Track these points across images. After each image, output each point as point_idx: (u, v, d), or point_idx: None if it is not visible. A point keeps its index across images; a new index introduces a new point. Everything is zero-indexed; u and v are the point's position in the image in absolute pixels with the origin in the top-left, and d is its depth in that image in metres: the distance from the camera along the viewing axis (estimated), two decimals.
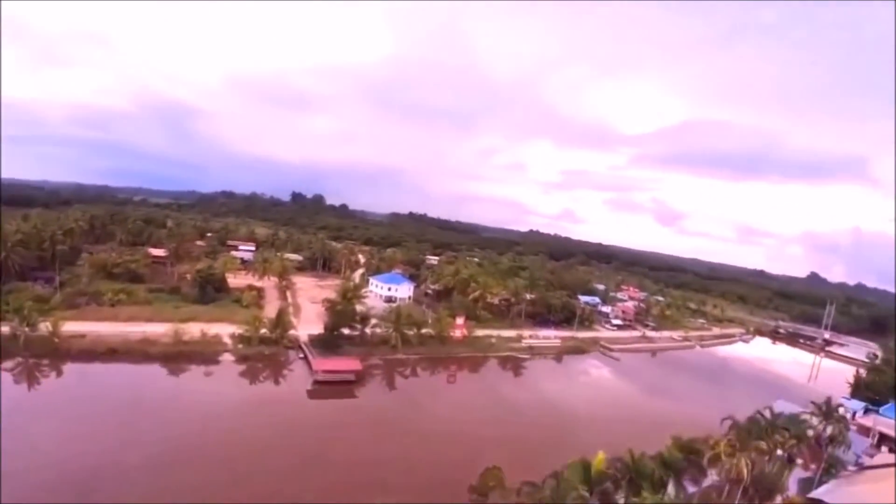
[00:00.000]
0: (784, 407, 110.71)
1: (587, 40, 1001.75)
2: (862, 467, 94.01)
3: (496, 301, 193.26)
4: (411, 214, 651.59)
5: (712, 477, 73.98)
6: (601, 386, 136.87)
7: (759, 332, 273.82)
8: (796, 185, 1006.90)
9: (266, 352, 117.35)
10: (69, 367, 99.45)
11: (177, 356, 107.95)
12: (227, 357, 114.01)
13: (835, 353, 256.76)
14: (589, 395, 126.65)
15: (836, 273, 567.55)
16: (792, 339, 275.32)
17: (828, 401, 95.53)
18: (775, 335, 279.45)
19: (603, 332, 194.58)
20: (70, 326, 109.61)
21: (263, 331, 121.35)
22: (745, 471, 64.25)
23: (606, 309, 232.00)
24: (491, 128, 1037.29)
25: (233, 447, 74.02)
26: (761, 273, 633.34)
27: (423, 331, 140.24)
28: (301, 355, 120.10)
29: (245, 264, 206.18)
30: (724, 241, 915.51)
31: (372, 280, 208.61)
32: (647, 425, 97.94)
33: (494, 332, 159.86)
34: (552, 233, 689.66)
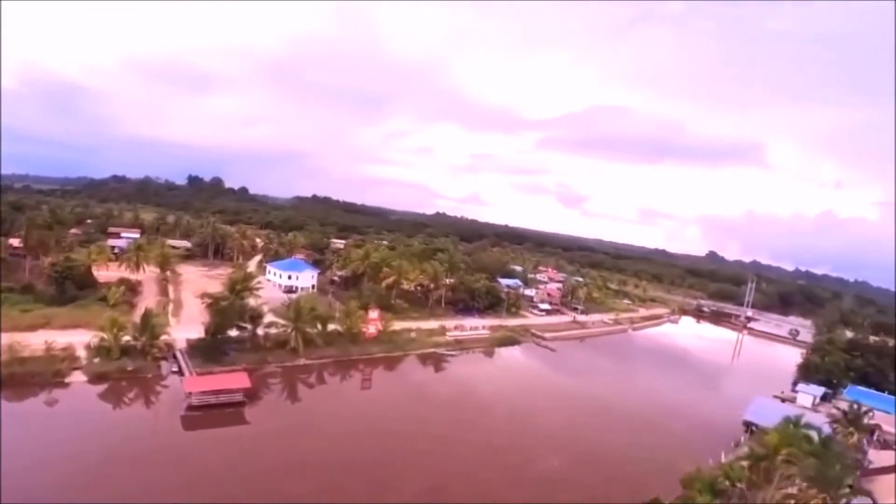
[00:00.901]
0: (769, 406, 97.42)
1: (496, 24, 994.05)
2: (867, 471, 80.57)
3: (412, 288, 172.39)
4: (315, 197, 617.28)
5: None
6: (546, 388, 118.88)
7: (683, 311, 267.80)
8: (695, 169, 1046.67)
9: (130, 367, 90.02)
10: None
11: (8, 380, 79.29)
12: (78, 377, 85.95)
13: (756, 330, 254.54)
14: (538, 404, 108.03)
15: (731, 251, 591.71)
16: (715, 318, 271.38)
17: (852, 406, 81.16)
18: (699, 314, 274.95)
19: (532, 319, 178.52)
20: None
21: (127, 338, 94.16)
22: None
23: (530, 292, 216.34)
24: (398, 110, 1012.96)
25: None
26: (663, 252, 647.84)
27: (330, 327, 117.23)
28: (175, 368, 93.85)
29: (119, 254, 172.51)
30: (626, 223, 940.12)
31: (269, 268, 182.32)
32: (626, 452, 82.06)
33: (414, 325, 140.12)
34: (459, 215, 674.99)
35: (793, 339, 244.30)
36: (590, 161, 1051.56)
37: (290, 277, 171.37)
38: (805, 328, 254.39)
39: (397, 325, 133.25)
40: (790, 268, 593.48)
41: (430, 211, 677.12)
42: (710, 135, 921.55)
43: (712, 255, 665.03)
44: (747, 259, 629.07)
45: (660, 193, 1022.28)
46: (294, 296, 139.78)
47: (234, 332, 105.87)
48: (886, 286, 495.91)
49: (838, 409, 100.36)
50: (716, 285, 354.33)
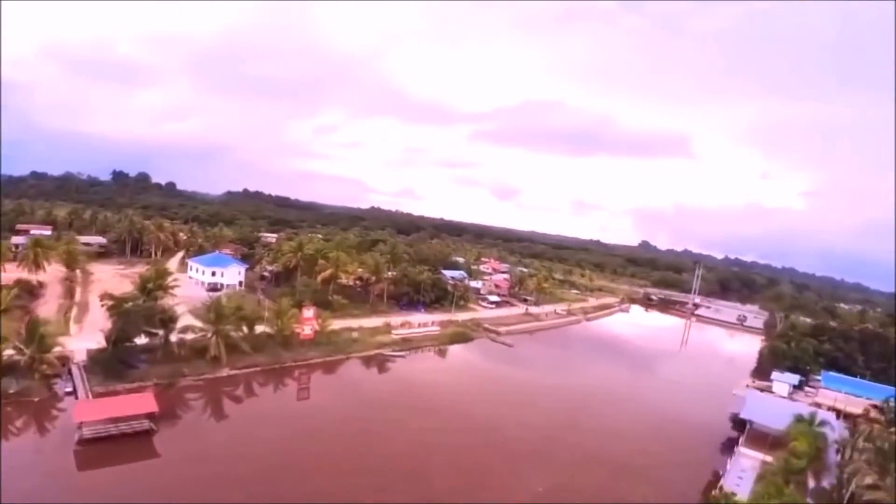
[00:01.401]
0: (764, 401, 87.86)
1: (429, 16, 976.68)
2: None
3: (351, 282, 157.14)
4: (246, 192, 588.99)
5: None
6: (512, 391, 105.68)
7: (632, 299, 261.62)
8: (626, 161, 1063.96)
9: (12, 388, 72.00)
10: None
11: None
12: None
13: (705, 317, 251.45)
14: (508, 412, 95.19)
15: (662, 241, 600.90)
16: (664, 306, 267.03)
17: (888, 403, 71.59)
18: (648, 302, 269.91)
19: (482, 312, 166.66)
20: None
21: (9, 352, 75.91)
22: None
23: (476, 284, 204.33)
24: (330, 104, 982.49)
25: None
26: (597, 243, 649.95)
27: (259, 329, 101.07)
28: (69, 388, 76.25)
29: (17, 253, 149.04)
30: (559, 214, 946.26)
31: (191, 263, 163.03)
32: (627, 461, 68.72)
33: (355, 323, 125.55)
34: (394, 209, 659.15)
35: (741, 324, 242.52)
36: (523, 154, 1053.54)
37: (213, 274, 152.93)
38: (752, 314, 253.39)
39: (336, 325, 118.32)
40: (720, 256, 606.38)
41: (364, 205, 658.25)
42: (641, 128, 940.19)
43: (645, 245, 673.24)
44: (679, 248, 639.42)
45: (592, 185, 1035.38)
46: (217, 294, 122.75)
47: (145, 340, 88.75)
48: (812, 271, 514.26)
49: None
50: (658, 273, 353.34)
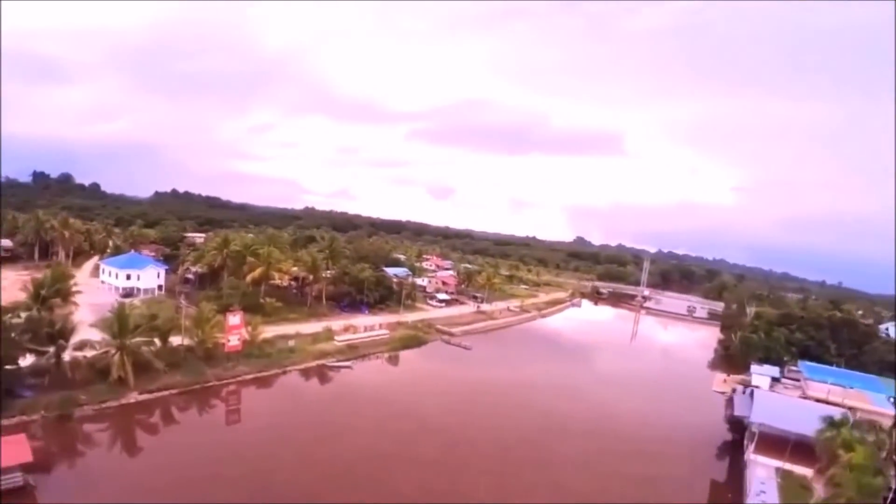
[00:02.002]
0: (772, 400, 78.00)
1: (364, 14, 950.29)
2: None
3: (285, 283, 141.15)
4: (175, 192, 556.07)
5: None
6: (484, 405, 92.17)
7: (581, 294, 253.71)
8: (560, 159, 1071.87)
9: None
10: None
11: None
12: None
13: (654, 310, 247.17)
14: (480, 425, 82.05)
15: (596, 237, 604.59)
16: (613, 299, 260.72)
17: None
18: (597, 296, 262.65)
19: (432, 312, 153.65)
20: None
21: None
22: None
23: (421, 282, 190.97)
24: (265, 103, 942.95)
25: None
26: (533, 239, 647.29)
27: (175, 342, 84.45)
28: None
29: None
30: (496, 212, 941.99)
31: (103, 266, 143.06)
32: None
33: (292, 329, 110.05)
34: (329, 209, 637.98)
35: (691, 315, 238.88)
36: (459, 153, 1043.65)
37: (128, 277, 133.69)
38: (700, 305, 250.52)
39: (270, 332, 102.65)
40: (653, 250, 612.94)
41: (298, 206, 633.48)
42: (576, 127, 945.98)
43: (580, 241, 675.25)
44: (613, 243, 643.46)
45: (528, 183, 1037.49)
46: (131, 300, 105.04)
47: (35, 360, 71.47)
48: (742, 263, 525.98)
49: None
50: (602, 267, 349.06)
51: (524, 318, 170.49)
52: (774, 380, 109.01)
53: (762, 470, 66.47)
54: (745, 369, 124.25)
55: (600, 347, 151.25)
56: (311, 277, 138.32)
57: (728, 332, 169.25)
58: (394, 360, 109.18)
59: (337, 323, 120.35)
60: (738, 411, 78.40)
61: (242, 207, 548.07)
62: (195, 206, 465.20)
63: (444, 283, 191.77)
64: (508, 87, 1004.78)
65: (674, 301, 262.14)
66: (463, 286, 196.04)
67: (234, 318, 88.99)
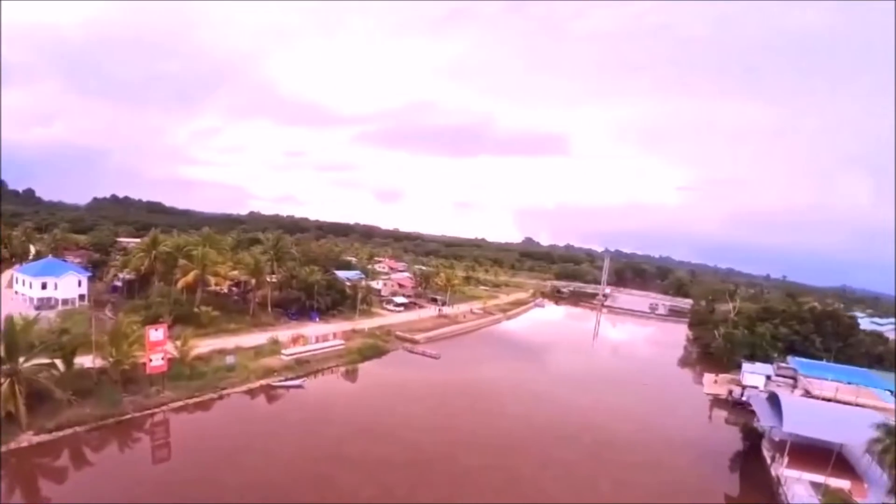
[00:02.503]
0: (799, 406, 68.04)
1: (308, 14, 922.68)
2: None
3: (225, 288, 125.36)
4: (114, 198, 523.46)
5: None
6: (470, 432, 78.61)
7: (542, 293, 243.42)
8: (508, 161, 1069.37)
9: None
10: None
11: None
12: None
13: (616, 308, 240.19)
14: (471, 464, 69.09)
15: (544, 238, 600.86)
16: (574, 299, 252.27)
17: None
18: (558, 296, 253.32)
19: (390, 317, 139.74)
20: None
21: None
22: None
23: (375, 285, 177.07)
24: (210, 107, 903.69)
25: None
26: (483, 241, 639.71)
27: (83, 363, 68.38)
28: None
29: None
30: (443, 215, 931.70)
31: (15, 275, 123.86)
32: None
33: (231, 342, 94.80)
34: (276, 213, 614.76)
35: (653, 313, 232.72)
36: (406, 156, 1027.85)
37: (44, 286, 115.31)
38: (661, 301, 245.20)
39: (205, 346, 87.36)
40: (600, 249, 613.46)
41: (244, 211, 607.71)
42: (523, 128, 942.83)
43: (528, 242, 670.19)
44: (561, 243, 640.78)
45: (475, 185, 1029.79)
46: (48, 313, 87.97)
47: None
48: (688, 260, 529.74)
49: None
50: (557, 266, 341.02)
51: (489, 320, 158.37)
52: (767, 378, 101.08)
53: (800, 487, 56.33)
54: (728, 368, 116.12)
55: (575, 349, 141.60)
56: (253, 282, 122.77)
57: (698, 329, 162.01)
58: (351, 374, 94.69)
59: (284, 333, 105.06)
60: (763, 420, 68.03)
61: (185, 213, 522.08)
62: (135, 211, 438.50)
63: (400, 285, 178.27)
64: (456, 89, 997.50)
65: (633, 299, 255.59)
66: (420, 289, 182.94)
67: (157, 334, 72.21)
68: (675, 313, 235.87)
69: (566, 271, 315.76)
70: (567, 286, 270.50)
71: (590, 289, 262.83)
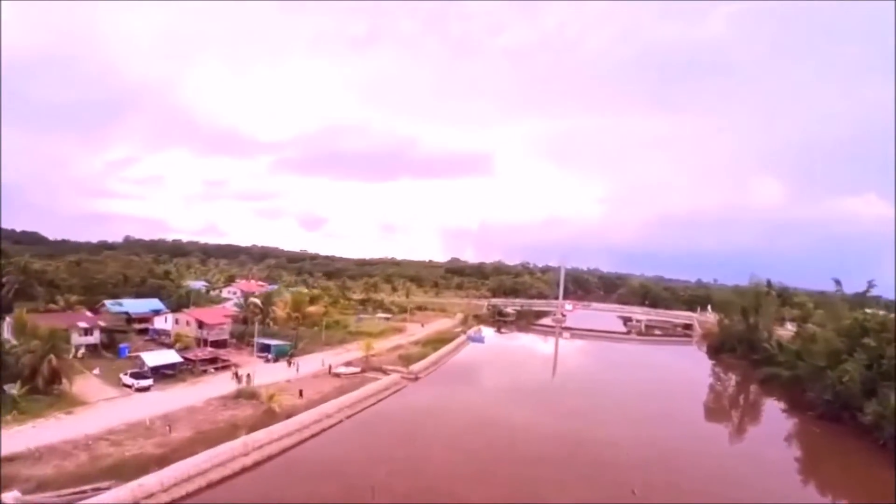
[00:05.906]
0: None
1: (218, 40, 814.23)
2: None
3: None
4: (24, 233, 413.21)
5: None
6: None
7: (476, 316, 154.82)
8: (430, 182, 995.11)
9: None
10: None
11: None
12: None
13: (578, 330, 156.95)
14: None
15: (469, 255, 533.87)
16: (523, 322, 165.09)
17: None
18: (500, 320, 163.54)
19: (93, 418, 47.14)
20: None
21: None
22: None
23: (163, 323, 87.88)
24: (124, 137, 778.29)
25: None
26: (403, 260, 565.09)
27: None
28: None
29: None
30: (368, 239, 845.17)
31: None
32: None
33: None
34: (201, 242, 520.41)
35: (632, 332, 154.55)
36: (327, 182, 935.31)
37: None
38: (633, 314, 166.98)
39: None
40: (530, 263, 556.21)
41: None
42: (444, 150, 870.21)
43: (454, 261, 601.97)
44: (488, 260, 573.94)
45: (398, 208, 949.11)
46: None
47: None
48: (615, 270, 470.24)
49: None
50: (493, 280, 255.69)
51: (372, 392, 67.19)
52: None
53: None
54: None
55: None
56: None
57: (742, 363, 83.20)
58: None
59: None
60: None
61: (104, 247, 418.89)
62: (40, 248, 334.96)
63: (201, 324, 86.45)
64: (374, 113, 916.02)
65: (594, 314, 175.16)
66: (252, 324, 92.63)
67: None
68: (662, 331, 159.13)
69: (504, 286, 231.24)
70: (511, 304, 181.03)
71: (540, 305, 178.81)
